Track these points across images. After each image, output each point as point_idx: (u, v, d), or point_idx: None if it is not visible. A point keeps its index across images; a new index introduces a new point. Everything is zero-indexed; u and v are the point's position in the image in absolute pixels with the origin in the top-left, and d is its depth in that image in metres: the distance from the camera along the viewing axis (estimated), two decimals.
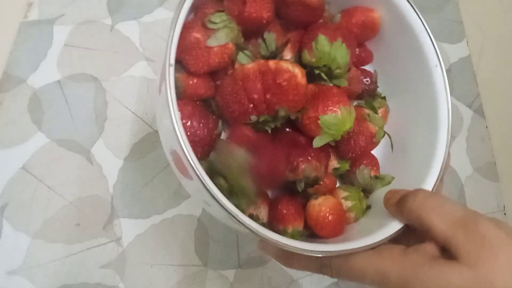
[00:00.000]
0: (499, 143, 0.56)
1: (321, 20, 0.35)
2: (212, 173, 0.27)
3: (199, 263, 0.47)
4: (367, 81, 0.37)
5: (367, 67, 0.39)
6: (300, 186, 0.31)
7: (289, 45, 0.33)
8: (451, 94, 0.58)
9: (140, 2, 0.63)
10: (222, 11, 0.30)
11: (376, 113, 0.36)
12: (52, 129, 0.53)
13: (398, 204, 0.29)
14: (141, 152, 0.52)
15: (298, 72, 0.29)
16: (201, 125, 0.29)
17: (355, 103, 0.37)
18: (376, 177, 0.35)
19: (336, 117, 0.30)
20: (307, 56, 0.32)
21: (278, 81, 0.28)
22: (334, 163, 0.35)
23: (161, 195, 0.50)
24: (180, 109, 0.28)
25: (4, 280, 0.45)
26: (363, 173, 0.35)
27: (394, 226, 0.29)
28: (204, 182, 0.25)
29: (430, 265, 0.25)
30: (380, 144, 0.36)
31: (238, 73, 0.30)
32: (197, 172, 0.25)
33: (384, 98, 0.38)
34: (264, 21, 0.31)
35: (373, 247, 0.28)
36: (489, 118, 0.58)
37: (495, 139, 0.56)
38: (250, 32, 0.31)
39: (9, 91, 0.55)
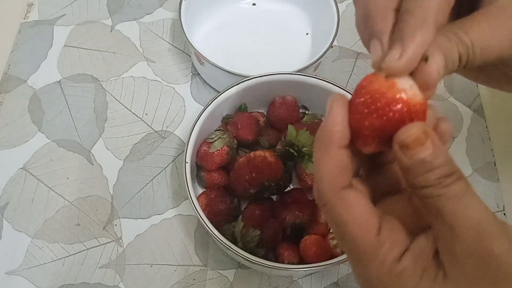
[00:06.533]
0: (499, 144, 0.55)
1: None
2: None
3: (199, 263, 0.47)
4: None
5: None
6: (288, 230, 0.44)
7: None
8: (451, 95, 0.58)
9: (140, 3, 0.63)
10: (218, 130, 0.48)
11: None
12: (52, 130, 0.53)
13: None
14: (141, 153, 0.52)
15: (268, 155, 0.43)
16: (220, 201, 0.45)
17: None
18: None
19: None
20: (283, 140, 0.47)
21: (255, 164, 0.43)
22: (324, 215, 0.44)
23: (161, 195, 0.50)
24: (207, 193, 0.45)
25: (4, 280, 0.45)
26: None
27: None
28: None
29: None
30: None
31: (236, 166, 0.44)
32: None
33: None
34: (249, 141, 0.47)
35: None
36: (489, 118, 0.58)
37: (495, 139, 0.56)
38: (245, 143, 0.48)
39: (10, 91, 0.55)
